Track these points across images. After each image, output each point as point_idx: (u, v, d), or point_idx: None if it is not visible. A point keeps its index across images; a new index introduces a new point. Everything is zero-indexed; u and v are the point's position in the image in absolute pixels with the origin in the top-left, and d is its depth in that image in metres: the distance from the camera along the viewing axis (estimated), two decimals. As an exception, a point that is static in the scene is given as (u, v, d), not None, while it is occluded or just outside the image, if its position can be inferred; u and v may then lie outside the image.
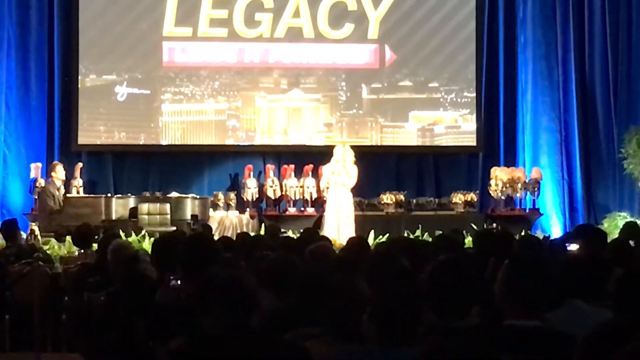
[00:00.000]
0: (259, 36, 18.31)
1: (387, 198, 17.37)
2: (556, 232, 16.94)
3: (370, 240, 14.07)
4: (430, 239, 11.30)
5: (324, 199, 16.82)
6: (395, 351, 3.86)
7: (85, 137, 17.95)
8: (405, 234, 14.52)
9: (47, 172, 16.31)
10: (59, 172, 15.95)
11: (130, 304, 5.48)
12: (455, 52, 18.62)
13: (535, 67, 18.46)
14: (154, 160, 18.33)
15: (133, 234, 14.16)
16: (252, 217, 17.07)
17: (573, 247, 7.71)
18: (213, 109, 18.29)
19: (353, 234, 13.73)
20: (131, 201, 15.71)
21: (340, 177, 15.56)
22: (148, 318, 5.12)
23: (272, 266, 5.59)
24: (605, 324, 4.19)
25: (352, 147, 16.02)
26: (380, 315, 4.01)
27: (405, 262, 5.66)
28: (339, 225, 15.32)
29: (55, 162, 16.54)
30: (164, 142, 18.18)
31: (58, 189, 15.66)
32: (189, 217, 15.72)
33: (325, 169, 15.89)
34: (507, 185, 17.37)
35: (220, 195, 17.41)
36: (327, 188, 15.96)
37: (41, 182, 16.55)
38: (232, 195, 17.50)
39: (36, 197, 16.57)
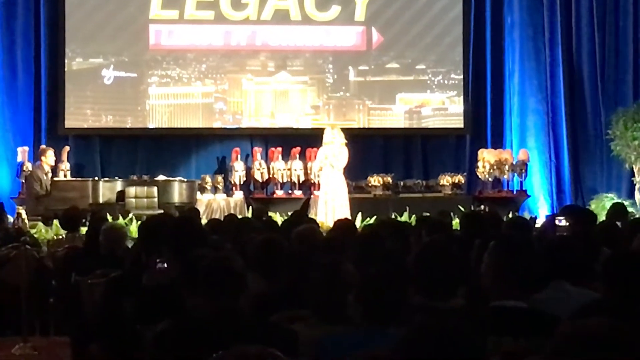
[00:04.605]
0: (245, 19, 18.24)
1: (375, 180, 17.38)
2: (543, 213, 16.96)
3: (358, 222, 14.08)
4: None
5: (312, 181, 16.82)
6: (382, 332, 3.87)
7: (72, 120, 17.88)
8: (393, 216, 14.52)
9: (37, 156, 16.25)
10: (49, 158, 15.93)
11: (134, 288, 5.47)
12: (443, 34, 18.59)
13: (523, 49, 18.46)
14: (141, 143, 18.27)
15: (120, 217, 14.14)
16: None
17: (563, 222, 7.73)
18: (200, 92, 18.23)
19: (348, 216, 13.69)
20: (118, 184, 15.68)
21: (328, 159, 15.53)
22: (135, 300, 5.12)
23: (259, 248, 5.58)
24: (590, 305, 4.21)
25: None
26: (367, 297, 4.02)
27: (391, 243, 5.67)
28: (326, 207, 15.30)
29: (45, 146, 16.47)
30: (151, 126, 18.14)
31: (46, 174, 15.64)
32: (176, 200, 15.71)
33: (319, 152, 15.83)
34: (495, 167, 17.40)
35: (208, 179, 17.37)
36: (320, 170, 15.88)
37: (28, 165, 16.52)
38: (220, 178, 17.47)
39: (23, 180, 16.53)
